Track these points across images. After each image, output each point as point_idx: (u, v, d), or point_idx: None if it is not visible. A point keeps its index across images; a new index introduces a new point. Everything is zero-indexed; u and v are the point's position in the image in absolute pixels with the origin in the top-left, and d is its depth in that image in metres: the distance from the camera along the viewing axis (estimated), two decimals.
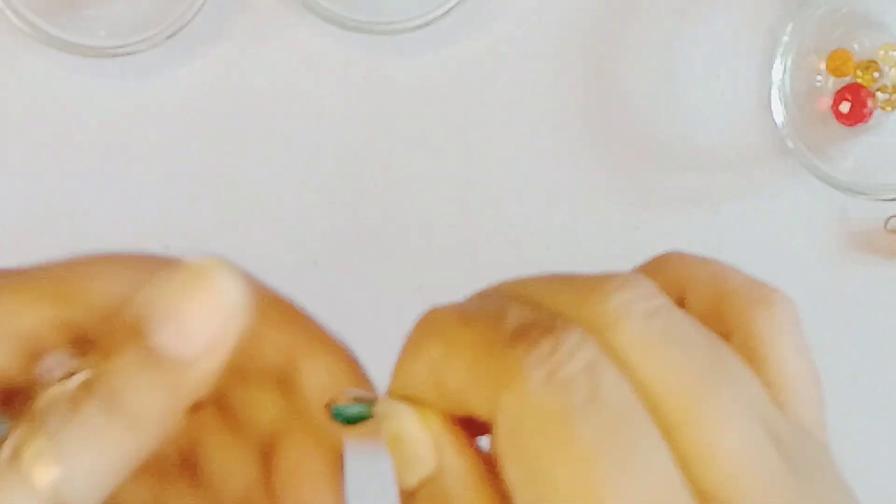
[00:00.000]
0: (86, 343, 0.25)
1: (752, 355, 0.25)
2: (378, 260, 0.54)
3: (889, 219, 0.54)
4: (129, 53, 0.50)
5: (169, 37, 0.50)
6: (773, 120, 0.53)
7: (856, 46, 0.53)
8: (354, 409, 0.25)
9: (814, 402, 0.26)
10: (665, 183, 0.54)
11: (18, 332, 0.25)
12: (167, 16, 0.50)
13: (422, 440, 0.24)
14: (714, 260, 0.27)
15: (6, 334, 0.25)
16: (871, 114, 0.53)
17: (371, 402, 0.26)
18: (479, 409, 0.23)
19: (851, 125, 0.53)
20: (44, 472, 0.23)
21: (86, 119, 0.53)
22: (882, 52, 0.53)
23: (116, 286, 0.26)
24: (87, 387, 0.24)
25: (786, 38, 0.52)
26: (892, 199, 0.53)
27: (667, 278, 0.26)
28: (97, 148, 0.53)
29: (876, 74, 0.53)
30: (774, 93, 0.52)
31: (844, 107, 0.53)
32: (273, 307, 0.28)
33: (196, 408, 0.26)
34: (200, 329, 0.24)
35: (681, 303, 0.27)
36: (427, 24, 0.51)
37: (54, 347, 0.25)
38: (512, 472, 0.22)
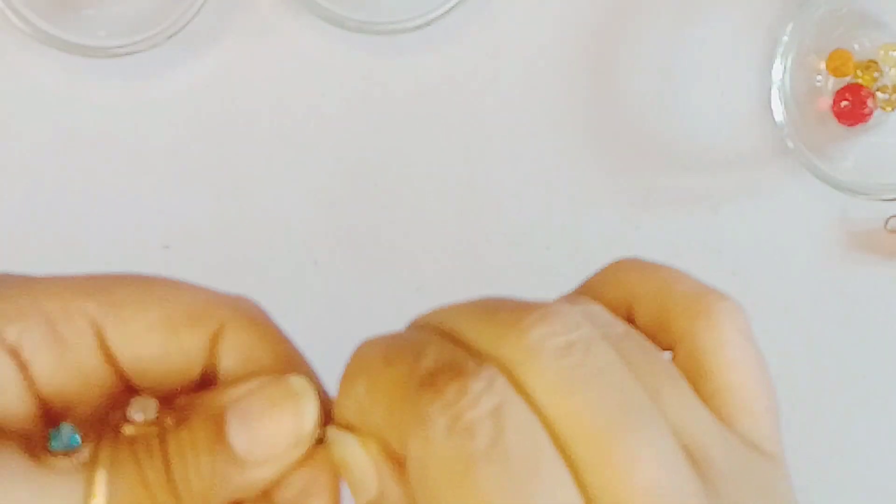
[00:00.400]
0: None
1: (695, 368, 0.25)
2: (378, 260, 0.54)
3: (889, 219, 0.54)
4: (129, 53, 0.50)
5: (169, 37, 0.50)
6: (773, 120, 0.53)
7: (856, 46, 0.53)
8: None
9: (763, 414, 0.26)
10: (665, 183, 0.54)
11: (134, 356, 0.26)
12: (167, 16, 0.50)
13: (364, 467, 0.25)
14: (665, 267, 0.27)
15: (126, 357, 0.26)
16: (871, 114, 0.53)
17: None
18: (398, 449, 0.24)
19: (851, 125, 0.53)
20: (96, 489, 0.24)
21: (86, 119, 0.53)
22: (882, 52, 0.53)
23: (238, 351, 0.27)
24: (152, 445, 0.25)
25: (786, 38, 0.52)
26: (892, 199, 0.53)
27: (616, 290, 0.26)
28: (97, 148, 0.53)
29: (876, 74, 0.53)
30: (774, 93, 0.52)
31: (844, 107, 0.53)
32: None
33: None
34: (270, 442, 0.26)
35: (630, 314, 0.27)
36: (427, 24, 0.51)
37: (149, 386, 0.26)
38: None
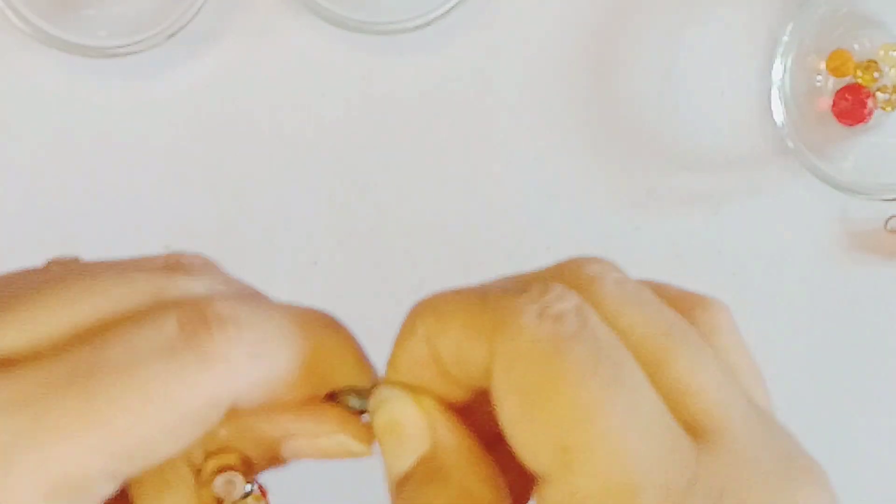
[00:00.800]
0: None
1: None
2: (378, 260, 0.54)
3: (889, 219, 0.54)
4: (129, 53, 0.50)
5: (169, 37, 0.50)
6: (773, 120, 0.53)
7: (856, 46, 0.53)
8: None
9: (761, 396, 0.27)
10: (665, 183, 0.54)
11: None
12: (167, 16, 0.50)
13: (417, 420, 0.26)
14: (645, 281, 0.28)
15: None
16: (871, 114, 0.53)
17: (366, 393, 0.27)
18: (476, 367, 0.25)
19: (851, 125, 0.53)
20: None
21: (86, 119, 0.53)
22: (882, 52, 0.53)
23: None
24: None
25: (786, 38, 0.52)
26: (892, 199, 0.53)
27: None
28: (97, 147, 0.53)
29: (876, 74, 0.53)
30: (774, 93, 0.52)
31: (844, 107, 0.53)
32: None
33: None
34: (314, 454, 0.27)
35: None
36: (427, 24, 0.51)
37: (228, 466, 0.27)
38: (508, 406, 0.24)
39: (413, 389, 0.26)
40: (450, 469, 0.25)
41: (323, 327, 0.28)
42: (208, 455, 0.27)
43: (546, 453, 0.23)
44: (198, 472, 0.26)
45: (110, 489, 0.24)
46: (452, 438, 0.26)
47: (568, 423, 0.23)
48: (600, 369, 0.23)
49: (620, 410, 0.23)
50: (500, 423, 0.24)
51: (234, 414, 0.26)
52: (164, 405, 0.24)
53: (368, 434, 0.27)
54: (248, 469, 0.27)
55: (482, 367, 0.24)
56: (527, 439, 0.23)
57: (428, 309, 0.26)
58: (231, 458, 0.26)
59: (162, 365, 0.24)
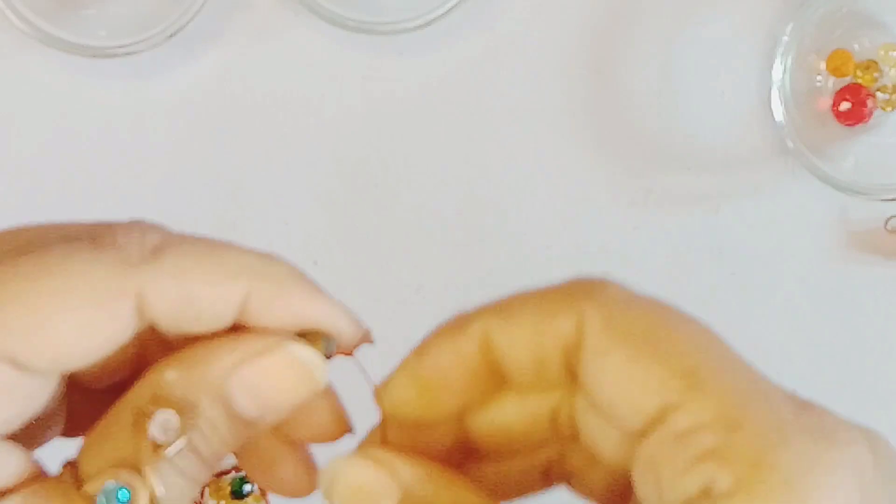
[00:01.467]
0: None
1: None
2: (378, 260, 0.54)
3: (889, 219, 0.54)
4: (129, 53, 0.50)
5: (169, 37, 0.50)
6: (773, 120, 0.53)
7: (856, 46, 0.53)
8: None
9: None
10: (665, 183, 0.54)
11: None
12: (167, 16, 0.50)
13: (376, 475, 0.26)
14: None
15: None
16: (871, 114, 0.53)
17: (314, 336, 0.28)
18: (555, 346, 0.27)
19: (851, 125, 0.53)
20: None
21: (86, 119, 0.53)
22: (882, 52, 0.53)
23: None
24: (190, 447, 0.26)
25: (786, 38, 0.52)
26: (892, 199, 0.53)
27: None
28: (97, 147, 0.53)
29: (876, 74, 0.53)
30: (774, 93, 0.52)
31: (844, 107, 0.53)
32: None
33: None
34: (282, 405, 0.27)
35: None
36: (427, 24, 0.51)
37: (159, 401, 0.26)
38: (616, 360, 0.25)
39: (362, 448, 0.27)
40: (433, 496, 0.26)
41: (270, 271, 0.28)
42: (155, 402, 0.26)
43: (672, 385, 0.24)
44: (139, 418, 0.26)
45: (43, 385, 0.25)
46: (419, 469, 0.26)
47: (690, 350, 0.25)
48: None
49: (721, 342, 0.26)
50: (595, 389, 0.25)
51: (181, 359, 0.26)
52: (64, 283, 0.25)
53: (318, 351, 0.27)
54: (193, 414, 0.26)
55: (563, 343, 0.26)
56: (644, 382, 0.24)
57: (488, 310, 0.27)
58: (176, 404, 0.26)
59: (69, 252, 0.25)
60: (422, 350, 0.28)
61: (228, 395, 0.26)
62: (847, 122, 0.53)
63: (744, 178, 0.54)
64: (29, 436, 0.26)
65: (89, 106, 0.52)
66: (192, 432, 0.25)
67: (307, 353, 0.27)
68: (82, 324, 0.25)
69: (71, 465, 0.26)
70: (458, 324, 0.28)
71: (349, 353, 0.28)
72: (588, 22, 0.53)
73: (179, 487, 0.25)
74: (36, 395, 0.26)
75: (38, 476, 0.26)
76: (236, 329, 0.27)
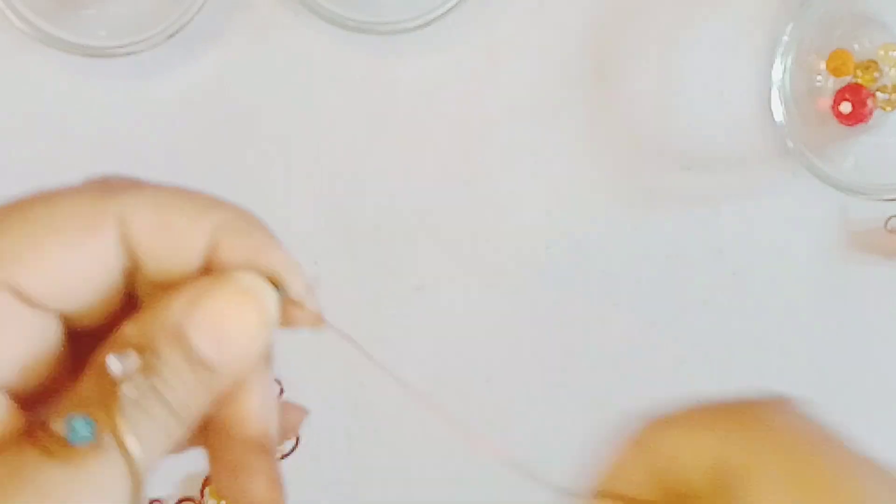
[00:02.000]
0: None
1: None
2: (378, 260, 0.54)
3: (889, 219, 0.54)
4: (129, 53, 0.50)
5: (169, 37, 0.50)
6: (773, 120, 0.53)
7: (856, 46, 0.53)
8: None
9: None
10: (665, 183, 0.54)
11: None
12: (167, 16, 0.50)
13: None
14: None
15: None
16: (871, 114, 0.53)
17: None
18: (703, 467, 0.28)
19: (851, 125, 0.53)
20: (131, 449, 0.25)
21: (86, 119, 0.53)
22: (882, 52, 0.53)
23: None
24: (154, 390, 0.26)
25: (786, 38, 0.52)
26: (893, 199, 0.53)
27: None
28: (97, 147, 0.53)
29: (876, 74, 0.53)
30: (774, 93, 0.52)
31: (844, 107, 0.53)
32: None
33: None
34: (237, 345, 0.27)
35: None
36: (427, 24, 0.51)
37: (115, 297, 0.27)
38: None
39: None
40: None
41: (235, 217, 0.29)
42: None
43: None
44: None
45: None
46: None
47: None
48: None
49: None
50: None
51: (141, 312, 0.27)
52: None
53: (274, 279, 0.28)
54: (153, 357, 0.26)
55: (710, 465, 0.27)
56: None
57: (665, 422, 0.29)
58: (136, 349, 0.26)
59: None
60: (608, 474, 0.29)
61: (185, 335, 0.26)
62: (847, 122, 0.53)
63: (744, 178, 0.54)
64: (31, 398, 0.27)
65: (89, 106, 0.52)
66: (154, 377, 0.26)
67: (255, 281, 0.27)
68: (70, 244, 0.26)
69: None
70: (633, 440, 0.29)
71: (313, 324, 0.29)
72: (588, 22, 0.53)
73: (149, 432, 0.25)
74: (38, 332, 0.26)
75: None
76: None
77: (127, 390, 0.25)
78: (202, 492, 0.55)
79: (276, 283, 0.28)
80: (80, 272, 0.26)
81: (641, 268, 0.55)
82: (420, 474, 0.56)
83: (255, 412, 0.28)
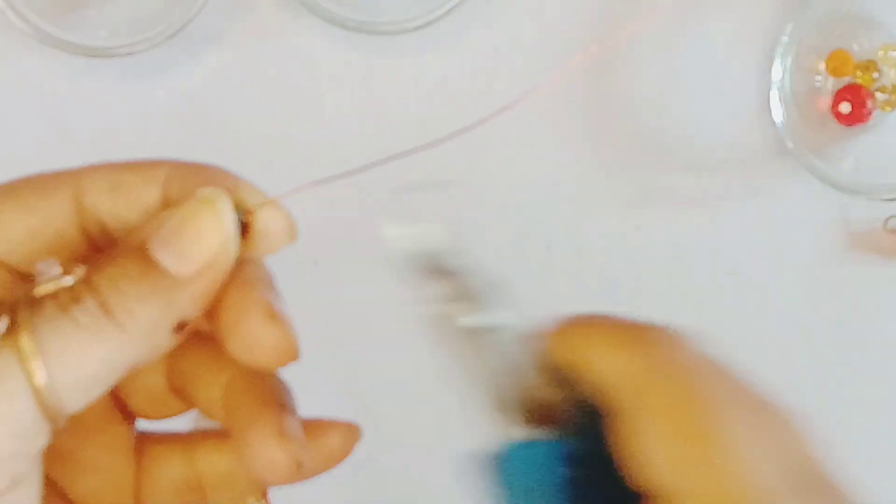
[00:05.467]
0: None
1: None
2: (378, 260, 0.54)
3: (889, 219, 0.54)
4: (129, 53, 0.50)
5: (169, 37, 0.50)
6: (773, 120, 0.53)
7: (855, 47, 0.53)
8: None
9: None
10: (665, 183, 0.54)
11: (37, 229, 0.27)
12: (167, 16, 0.50)
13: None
14: None
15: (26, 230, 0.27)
16: (870, 114, 0.53)
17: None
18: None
19: (851, 125, 0.53)
20: (32, 373, 0.24)
21: (86, 119, 0.53)
22: (881, 53, 0.53)
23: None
24: (77, 290, 0.25)
25: (785, 39, 0.52)
26: (892, 199, 0.53)
27: None
28: (97, 148, 0.53)
29: (875, 75, 0.53)
30: (774, 93, 0.52)
31: (844, 107, 0.53)
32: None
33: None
34: (198, 251, 0.26)
35: None
36: (427, 24, 0.51)
37: (77, 253, 0.27)
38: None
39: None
40: None
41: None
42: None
43: (687, 470, 0.25)
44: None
45: None
46: None
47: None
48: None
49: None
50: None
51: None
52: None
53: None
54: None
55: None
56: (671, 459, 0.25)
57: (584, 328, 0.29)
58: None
59: None
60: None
61: (146, 247, 0.26)
62: (846, 123, 0.53)
63: (744, 178, 0.54)
64: None
65: (89, 106, 0.52)
66: (92, 289, 0.26)
67: (211, 191, 0.27)
68: (24, 206, 0.27)
69: None
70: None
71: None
72: (588, 22, 0.53)
73: (74, 338, 0.25)
74: None
75: None
76: None
77: (42, 291, 0.25)
78: None
79: (235, 202, 0.28)
80: (28, 230, 0.27)
81: (641, 268, 0.55)
82: (420, 474, 0.56)
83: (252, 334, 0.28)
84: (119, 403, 0.31)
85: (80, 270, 0.26)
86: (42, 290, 0.25)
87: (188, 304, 0.26)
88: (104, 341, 0.25)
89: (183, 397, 0.31)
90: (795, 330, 0.55)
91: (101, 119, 0.53)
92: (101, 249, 0.28)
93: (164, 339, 0.26)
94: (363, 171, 0.31)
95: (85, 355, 0.25)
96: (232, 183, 0.29)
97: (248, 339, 0.27)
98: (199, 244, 0.26)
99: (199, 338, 0.29)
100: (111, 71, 0.52)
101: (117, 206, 0.27)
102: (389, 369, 0.54)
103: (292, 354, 0.27)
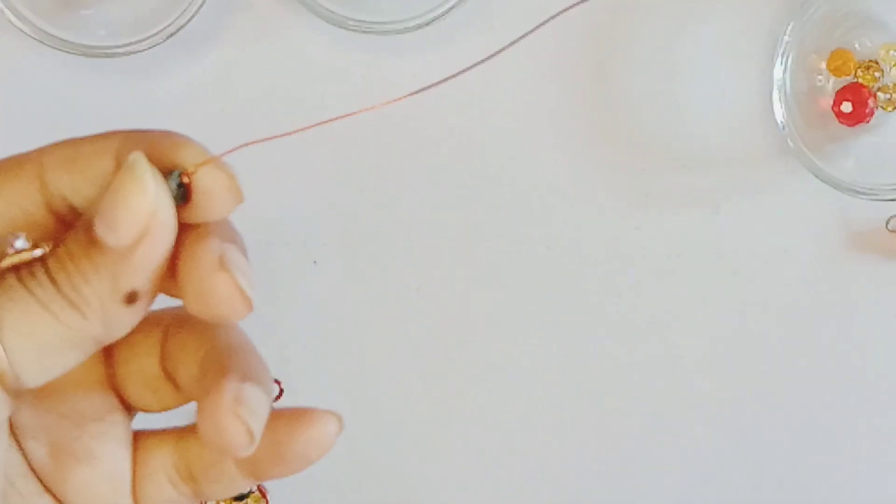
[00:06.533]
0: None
1: None
2: (378, 260, 0.54)
3: (890, 219, 0.54)
4: (129, 53, 0.50)
5: (169, 37, 0.50)
6: (774, 120, 0.53)
7: (857, 46, 0.53)
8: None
9: None
10: (665, 183, 0.54)
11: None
12: (167, 16, 0.50)
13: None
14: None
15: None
16: (871, 114, 0.53)
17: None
18: None
19: (852, 125, 0.53)
20: None
21: (86, 119, 0.53)
22: (883, 52, 0.53)
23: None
24: (34, 266, 0.26)
25: (786, 38, 0.52)
26: (893, 199, 0.52)
27: None
28: None
29: (877, 74, 0.53)
30: (775, 93, 0.52)
31: (845, 107, 0.53)
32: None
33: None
34: (126, 221, 0.26)
35: None
36: (427, 24, 0.51)
37: (46, 232, 0.28)
38: None
39: None
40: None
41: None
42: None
43: None
44: None
45: None
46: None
47: None
48: None
49: None
50: None
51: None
52: None
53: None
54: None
55: None
56: None
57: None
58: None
59: None
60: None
61: (91, 223, 0.26)
62: (848, 122, 0.53)
63: (744, 178, 0.54)
64: None
65: (89, 106, 0.52)
66: (50, 256, 0.26)
67: (134, 157, 0.27)
68: None
69: None
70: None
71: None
72: (588, 22, 0.53)
73: (30, 311, 0.25)
74: None
75: None
76: None
77: (5, 264, 0.26)
78: None
79: (171, 167, 0.28)
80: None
81: (641, 268, 0.55)
82: (420, 474, 0.56)
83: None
84: (116, 394, 0.31)
85: (45, 246, 0.26)
86: (5, 262, 0.26)
87: (133, 276, 0.26)
88: (58, 317, 0.26)
89: (174, 382, 0.31)
90: (795, 330, 0.55)
91: (101, 119, 0.53)
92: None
93: (120, 313, 0.27)
94: (308, 129, 0.30)
95: (41, 329, 0.26)
96: (175, 144, 0.28)
97: (199, 289, 0.27)
98: (127, 213, 0.26)
99: (185, 318, 0.29)
100: (110, 70, 0.52)
101: (75, 181, 0.28)
102: (389, 369, 0.54)
103: (245, 303, 0.27)
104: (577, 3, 0.32)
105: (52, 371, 0.26)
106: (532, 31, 0.30)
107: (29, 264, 0.26)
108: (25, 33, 0.50)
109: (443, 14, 0.51)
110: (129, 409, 0.31)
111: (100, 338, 0.27)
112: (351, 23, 0.51)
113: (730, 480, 0.56)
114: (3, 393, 0.25)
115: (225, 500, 0.54)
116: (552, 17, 0.31)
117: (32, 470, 0.29)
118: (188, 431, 0.31)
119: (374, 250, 0.54)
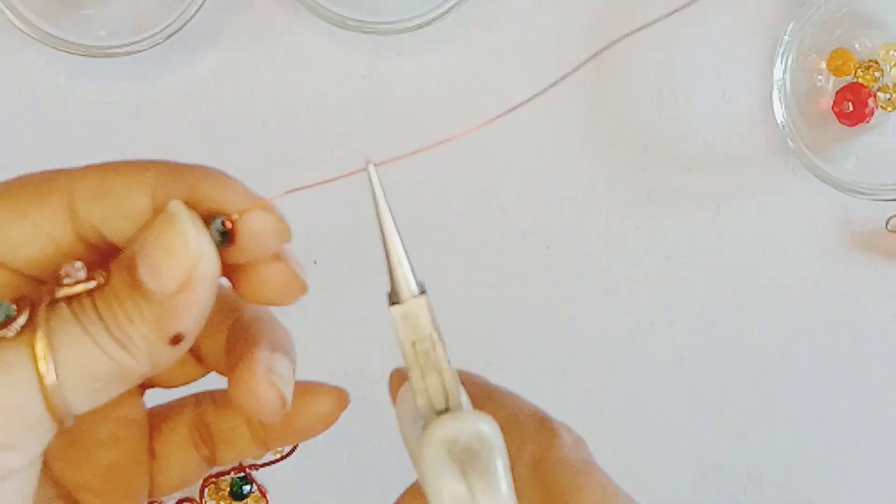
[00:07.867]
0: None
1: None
2: (378, 260, 0.54)
3: (890, 219, 0.54)
4: (129, 53, 0.50)
5: (169, 37, 0.50)
6: (774, 120, 0.53)
7: (857, 46, 0.53)
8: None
9: None
10: (665, 183, 0.54)
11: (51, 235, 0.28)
12: (167, 16, 0.50)
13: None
14: None
15: (45, 234, 0.27)
16: (871, 114, 0.53)
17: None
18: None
19: (852, 125, 0.53)
20: (42, 370, 0.25)
21: (86, 119, 0.53)
22: (883, 52, 0.53)
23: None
24: (84, 297, 0.26)
25: (787, 38, 0.52)
26: (893, 199, 0.52)
27: None
28: (97, 147, 0.53)
29: (877, 74, 0.53)
30: (775, 93, 0.52)
31: (845, 107, 0.53)
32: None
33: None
34: (169, 270, 0.26)
35: None
36: (427, 24, 0.51)
37: (76, 258, 0.27)
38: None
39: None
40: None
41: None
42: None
43: None
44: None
45: None
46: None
47: None
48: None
49: None
50: None
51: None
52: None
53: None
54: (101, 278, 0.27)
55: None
56: None
57: None
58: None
59: None
60: None
61: (134, 265, 0.26)
62: (848, 122, 0.53)
63: (744, 178, 0.54)
64: None
65: (89, 106, 0.52)
66: (98, 294, 0.26)
67: (174, 206, 0.27)
68: (16, 212, 0.27)
69: None
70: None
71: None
72: (588, 22, 0.53)
73: (78, 342, 0.26)
74: None
75: None
76: None
77: (62, 294, 0.26)
78: (202, 492, 0.55)
79: (213, 210, 0.28)
80: (22, 236, 0.27)
81: (641, 268, 0.55)
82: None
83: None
84: None
85: (100, 276, 0.27)
86: (63, 292, 0.26)
87: (178, 321, 0.27)
88: (109, 354, 0.26)
89: (194, 352, 0.32)
90: (796, 329, 0.55)
91: (100, 118, 0.53)
92: (106, 255, 0.28)
93: (163, 353, 0.27)
94: (352, 176, 0.30)
95: (93, 364, 0.26)
96: (217, 185, 0.28)
97: (248, 396, 0.28)
98: (170, 262, 0.26)
99: None
100: (110, 70, 0.52)
101: (107, 214, 0.28)
102: (389, 369, 0.54)
103: (284, 409, 0.29)
104: (598, 54, 0.31)
105: (98, 400, 0.27)
106: (556, 83, 0.30)
107: (80, 297, 0.26)
108: (25, 33, 0.50)
109: (443, 14, 0.51)
110: (143, 385, 0.32)
111: (146, 374, 0.27)
112: (351, 23, 0.51)
113: (730, 480, 0.56)
114: (51, 420, 0.26)
115: (225, 500, 0.55)
116: (581, 65, 0.30)
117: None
118: (205, 397, 0.32)
119: (374, 250, 0.54)
